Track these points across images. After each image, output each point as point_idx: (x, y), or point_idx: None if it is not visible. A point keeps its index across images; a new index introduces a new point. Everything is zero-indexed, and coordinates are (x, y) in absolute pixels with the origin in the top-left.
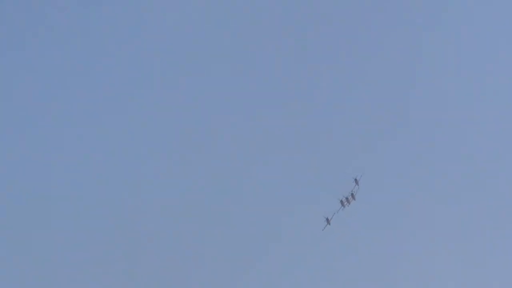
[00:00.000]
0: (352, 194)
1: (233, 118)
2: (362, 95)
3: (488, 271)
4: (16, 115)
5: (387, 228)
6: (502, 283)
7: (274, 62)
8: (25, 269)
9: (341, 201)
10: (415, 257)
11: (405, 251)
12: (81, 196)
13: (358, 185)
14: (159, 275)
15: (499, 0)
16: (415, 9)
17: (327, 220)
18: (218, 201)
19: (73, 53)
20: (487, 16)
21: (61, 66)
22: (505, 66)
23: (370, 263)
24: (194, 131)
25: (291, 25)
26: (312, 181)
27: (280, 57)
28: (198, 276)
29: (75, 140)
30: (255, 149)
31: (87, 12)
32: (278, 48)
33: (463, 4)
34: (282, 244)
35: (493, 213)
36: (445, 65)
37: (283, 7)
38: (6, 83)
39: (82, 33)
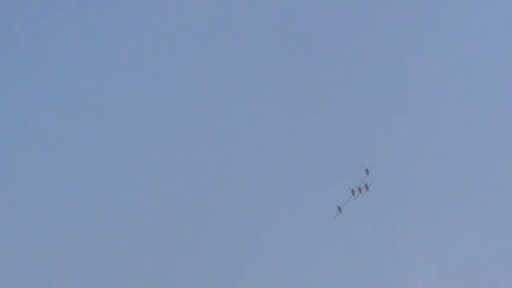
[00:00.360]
0: (366, 185)
1: (243, 107)
2: (373, 88)
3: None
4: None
5: (396, 219)
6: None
7: (284, 52)
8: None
9: (352, 191)
10: (421, 252)
11: (413, 245)
12: (75, 193)
13: (368, 175)
14: (162, 273)
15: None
16: (415, 8)
17: (339, 209)
18: (227, 190)
19: (72, 52)
20: (487, 15)
21: (59, 64)
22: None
23: (378, 253)
24: (201, 121)
25: (292, 21)
26: (324, 170)
27: (290, 46)
28: (208, 266)
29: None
30: (263, 141)
31: (85, 11)
32: (285, 41)
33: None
34: (291, 232)
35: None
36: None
37: (282, 6)
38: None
39: (80, 32)
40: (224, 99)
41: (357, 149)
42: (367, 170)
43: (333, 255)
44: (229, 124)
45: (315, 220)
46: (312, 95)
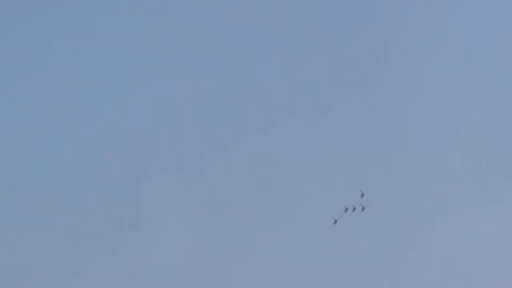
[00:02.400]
0: (363, 207)
1: (249, 125)
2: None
3: None
4: None
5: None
6: None
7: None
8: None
9: (346, 209)
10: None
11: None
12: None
13: (362, 198)
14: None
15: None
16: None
17: (335, 221)
18: (232, 199)
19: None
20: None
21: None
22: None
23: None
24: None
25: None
26: (326, 188)
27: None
28: (204, 275)
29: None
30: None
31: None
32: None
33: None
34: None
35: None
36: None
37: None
38: None
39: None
40: (225, 115)
41: (358, 174)
42: (362, 194)
43: (328, 257)
44: (236, 131)
45: (314, 228)
46: (319, 115)
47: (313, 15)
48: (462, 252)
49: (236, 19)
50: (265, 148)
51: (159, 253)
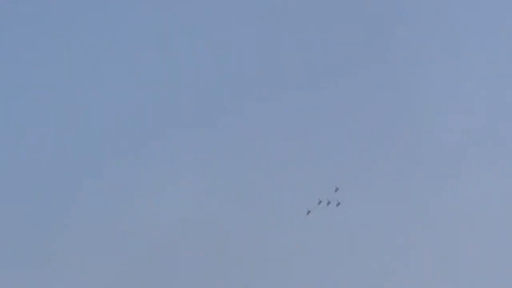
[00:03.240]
0: (338, 202)
1: (226, 119)
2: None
3: None
4: None
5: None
6: None
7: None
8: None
9: (319, 201)
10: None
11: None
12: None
13: (335, 192)
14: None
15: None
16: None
17: (308, 212)
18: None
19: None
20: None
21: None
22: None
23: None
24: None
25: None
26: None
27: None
28: (186, 274)
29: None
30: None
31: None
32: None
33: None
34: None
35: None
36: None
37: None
38: None
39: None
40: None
41: (334, 169)
42: (337, 189)
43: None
44: (216, 129)
45: (288, 218)
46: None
47: None
48: (452, 254)
49: None
50: (246, 133)
51: (165, 208)
